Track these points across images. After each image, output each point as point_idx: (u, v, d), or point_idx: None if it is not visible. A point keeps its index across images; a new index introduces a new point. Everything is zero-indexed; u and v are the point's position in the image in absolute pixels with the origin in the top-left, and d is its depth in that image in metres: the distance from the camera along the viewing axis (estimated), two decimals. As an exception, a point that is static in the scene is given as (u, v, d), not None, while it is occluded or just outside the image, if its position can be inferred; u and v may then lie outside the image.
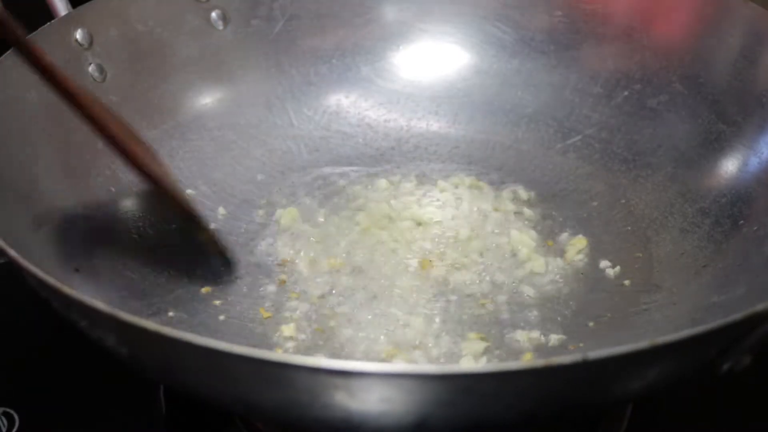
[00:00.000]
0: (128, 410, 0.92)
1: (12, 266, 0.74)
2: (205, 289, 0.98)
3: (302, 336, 0.93)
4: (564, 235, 1.06)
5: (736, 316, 0.66)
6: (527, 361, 0.88)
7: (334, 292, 0.99)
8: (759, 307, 0.67)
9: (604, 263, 1.02)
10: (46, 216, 0.92)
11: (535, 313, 0.96)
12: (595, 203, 1.10)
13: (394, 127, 1.22)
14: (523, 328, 0.94)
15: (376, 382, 0.64)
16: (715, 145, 1.05)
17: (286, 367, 0.63)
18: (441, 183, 1.13)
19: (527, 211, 1.09)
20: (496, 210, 1.09)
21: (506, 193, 1.11)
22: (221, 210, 1.09)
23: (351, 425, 0.69)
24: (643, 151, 1.12)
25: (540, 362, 0.62)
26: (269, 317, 0.96)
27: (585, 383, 0.67)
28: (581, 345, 0.92)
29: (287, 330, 0.93)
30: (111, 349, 0.74)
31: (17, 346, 1.02)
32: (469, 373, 0.64)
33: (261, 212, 1.10)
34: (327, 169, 1.16)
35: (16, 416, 0.93)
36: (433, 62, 1.24)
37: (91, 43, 1.04)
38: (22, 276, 0.74)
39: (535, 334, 0.93)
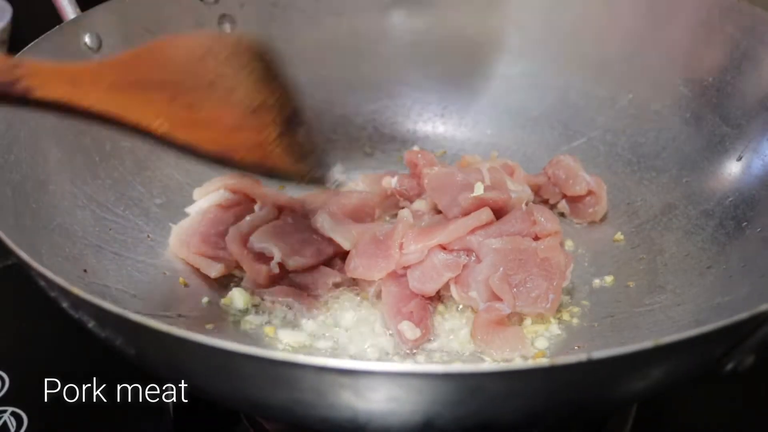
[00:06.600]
0: (137, 411, 0.92)
1: (21, 267, 0.74)
2: (211, 292, 1.00)
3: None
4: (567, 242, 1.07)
5: (739, 316, 0.66)
6: (533, 361, 0.89)
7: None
8: (762, 307, 0.67)
9: (607, 266, 1.03)
10: (55, 217, 0.92)
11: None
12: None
13: (401, 130, 1.23)
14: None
15: (382, 381, 0.64)
16: (719, 147, 1.05)
17: (293, 366, 0.64)
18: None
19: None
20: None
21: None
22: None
23: (357, 424, 0.69)
24: (647, 153, 1.13)
25: (545, 362, 0.63)
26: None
27: (590, 383, 0.67)
28: (586, 345, 0.92)
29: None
30: (119, 348, 0.75)
31: (25, 347, 1.03)
32: (475, 373, 0.64)
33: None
34: (333, 171, 1.16)
35: (24, 416, 0.93)
36: (439, 65, 1.24)
37: (99, 46, 1.05)
38: (31, 277, 0.75)
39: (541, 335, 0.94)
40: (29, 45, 0.98)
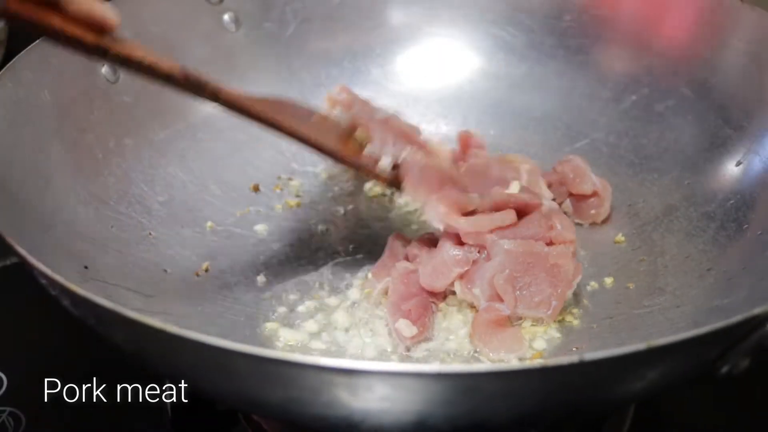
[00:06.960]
0: (136, 411, 0.92)
1: (22, 266, 0.75)
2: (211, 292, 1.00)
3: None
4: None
5: (733, 319, 0.67)
6: (526, 361, 0.89)
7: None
8: (756, 310, 0.67)
9: (608, 267, 1.03)
10: (57, 214, 0.93)
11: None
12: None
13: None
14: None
15: (377, 380, 0.64)
16: (721, 149, 1.06)
17: (290, 365, 0.64)
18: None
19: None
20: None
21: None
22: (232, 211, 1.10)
23: (352, 422, 0.69)
24: (649, 155, 1.13)
25: (538, 363, 0.63)
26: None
27: (584, 384, 0.68)
28: (584, 346, 0.92)
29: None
30: (118, 345, 0.75)
31: (25, 347, 1.03)
32: (469, 373, 0.64)
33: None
34: (336, 172, 1.16)
35: (22, 416, 0.94)
36: (442, 65, 1.25)
37: (103, 45, 1.05)
38: (32, 275, 0.75)
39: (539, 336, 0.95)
40: (30, 46, 0.98)
